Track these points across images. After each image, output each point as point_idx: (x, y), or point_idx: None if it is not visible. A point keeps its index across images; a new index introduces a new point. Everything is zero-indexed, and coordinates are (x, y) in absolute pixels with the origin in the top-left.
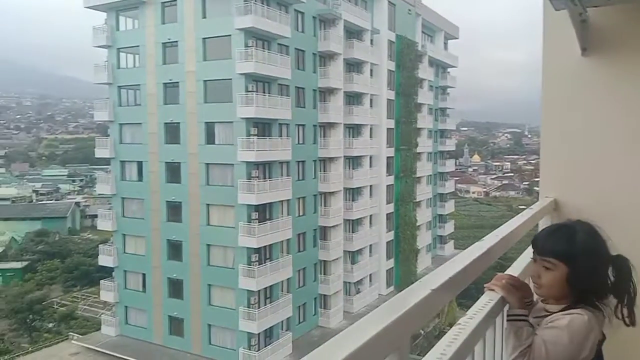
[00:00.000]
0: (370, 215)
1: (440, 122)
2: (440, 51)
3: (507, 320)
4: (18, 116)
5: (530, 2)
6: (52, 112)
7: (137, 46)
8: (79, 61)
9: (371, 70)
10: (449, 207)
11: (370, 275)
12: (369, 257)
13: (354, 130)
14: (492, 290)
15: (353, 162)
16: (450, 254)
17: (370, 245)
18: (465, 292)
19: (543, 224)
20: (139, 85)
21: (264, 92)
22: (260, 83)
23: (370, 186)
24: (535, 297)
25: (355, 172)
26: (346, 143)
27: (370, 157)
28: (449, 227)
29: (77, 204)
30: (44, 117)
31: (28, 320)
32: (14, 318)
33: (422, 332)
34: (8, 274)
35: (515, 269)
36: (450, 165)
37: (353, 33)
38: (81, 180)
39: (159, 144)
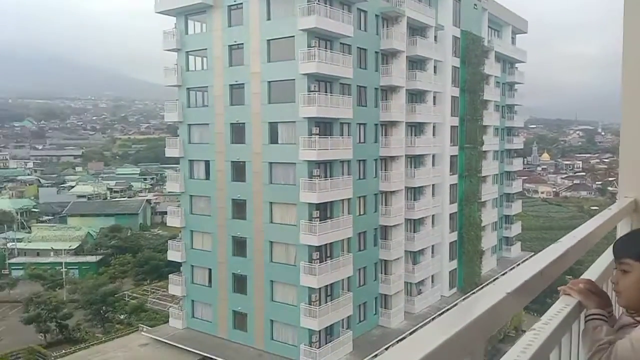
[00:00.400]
0: (433, 215)
1: (508, 119)
2: (508, 46)
3: (586, 321)
4: (94, 117)
5: None
6: (125, 113)
7: (205, 49)
8: (150, 65)
9: (435, 67)
10: (516, 207)
11: (432, 276)
12: (431, 258)
13: (416, 128)
14: (569, 294)
15: (415, 160)
16: (517, 256)
17: (433, 246)
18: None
19: (622, 226)
20: (206, 87)
21: (325, 92)
22: (322, 82)
23: (433, 185)
24: (619, 309)
25: (417, 171)
26: (408, 141)
27: (433, 156)
28: (515, 229)
29: (148, 201)
30: (118, 118)
31: (102, 312)
32: (89, 309)
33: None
34: (84, 267)
35: (591, 274)
36: (517, 164)
37: (416, 30)
38: (152, 179)
39: (225, 143)
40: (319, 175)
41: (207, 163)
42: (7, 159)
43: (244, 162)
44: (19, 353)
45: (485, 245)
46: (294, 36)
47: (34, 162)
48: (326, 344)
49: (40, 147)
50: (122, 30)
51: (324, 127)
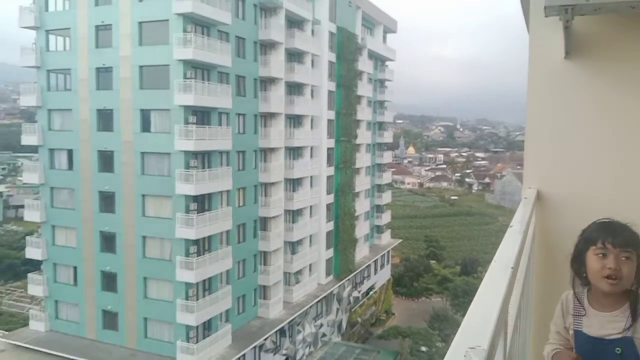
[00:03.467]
0: (311, 206)
1: (379, 114)
2: (379, 44)
3: None
4: None
5: (468, 3)
6: None
7: (68, 28)
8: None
9: (312, 61)
10: (386, 197)
11: (310, 265)
12: (309, 248)
13: (295, 120)
14: None
15: (294, 152)
16: (387, 242)
17: (311, 236)
18: (400, 280)
19: None
20: (69, 69)
21: (203, 80)
22: (200, 70)
23: (311, 177)
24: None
25: (296, 163)
26: (287, 133)
27: (311, 148)
28: (386, 217)
29: (0, 193)
30: None
31: None
32: None
33: (360, 319)
34: None
35: (503, 259)
36: (387, 157)
37: (294, 23)
38: (3, 169)
39: (91, 131)
40: (196, 166)
41: (70, 152)
42: None
43: (112, 151)
44: None
45: (358, 233)
46: (168, 20)
47: None
48: (204, 338)
49: None
50: None
51: (201, 116)
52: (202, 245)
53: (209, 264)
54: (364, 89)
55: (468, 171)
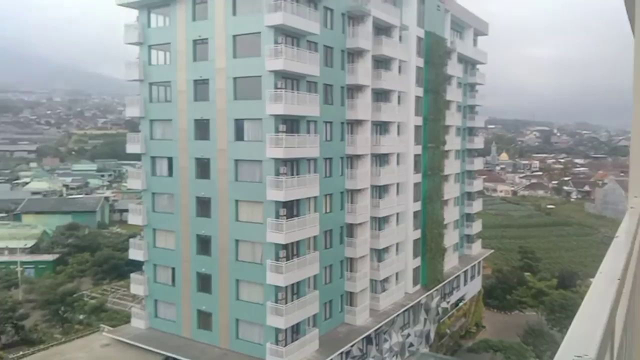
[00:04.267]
0: (397, 213)
1: (469, 119)
2: (469, 47)
3: None
4: (49, 112)
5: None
6: (81, 108)
7: (168, 43)
8: (109, 58)
9: (399, 67)
10: (477, 205)
11: (396, 273)
12: (396, 255)
13: (381, 127)
14: None
15: (380, 159)
16: (478, 253)
17: (397, 244)
18: (491, 292)
19: None
20: (169, 82)
21: (292, 89)
22: (289, 80)
23: (398, 184)
24: None
25: (382, 170)
26: (374, 140)
27: (398, 155)
28: (476, 226)
29: (106, 198)
30: (74, 112)
31: (60, 312)
32: (47, 309)
33: (448, 331)
34: (40, 266)
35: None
36: (478, 164)
37: (382, 29)
38: (110, 175)
39: (189, 140)
40: (285, 173)
41: (170, 160)
42: None
43: (209, 159)
44: None
45: (447, 242)
46: (260, 32)
47: None
48: (292, 342)
49: None
50: (80, 22)
51: (290, 124)
52: (291, 250)
53: (297, 269)
54: (453, 93)
55: (566, 178)
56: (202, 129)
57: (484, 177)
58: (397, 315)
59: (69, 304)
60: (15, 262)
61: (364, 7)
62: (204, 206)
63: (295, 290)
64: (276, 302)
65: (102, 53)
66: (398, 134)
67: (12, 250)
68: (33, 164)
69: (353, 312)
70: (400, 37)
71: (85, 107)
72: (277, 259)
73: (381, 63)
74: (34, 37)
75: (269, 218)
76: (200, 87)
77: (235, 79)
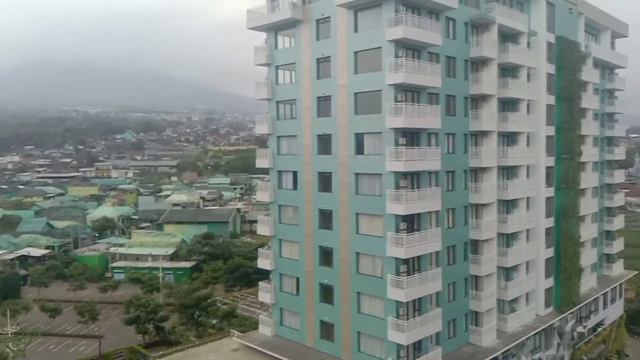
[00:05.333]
0: (527, 230)
1: (607, 128)
2: (607, 51)
3: None
4: (188, 130)
5: None
6: (216, 125)
7: (294, 63)
8: (241, 79)
9: (528, 74)
10: (618, 222)
11: (526, 293)
12: (526, 275)
13: (508, 138)
14: None
15: (508, 172)
16: (619, 274)
17: (527, 262)
18: (635, 317)
19: None
20: (295, 99)
21: (412, 102)
22: (410, 92)
23: (528, 198)
24: None
25: (510, 183)
26: (500, 152)
27: (527, 167)
28: (617, 245)
29: (238, 210)
30: (210, 130)
31: (195, 316)
32: (184, 313)
33: (585, 358)
34: (179, 272)
35: None
36: (619, 176)
37: (508, 36)
38: (241, 188)
39: (312, 154)
40: (405, 187)
41: (295, 173)
42: (110, 169)
43: (330, 172)
44: (122, 351)
45: (584, 262)
46: (381, 47)
47: (133, 172)
48: (414, 359)
49: (139, 158)
50: (215, 46)
51: (411, 137)
52: (412, 265)
53: (418, 284)
54: (588, 100)
55: None
56: (324, 143)
57: (626, 190)
58: (527, 338)
59: (203, 308)
60: (157, 268)
61: (489, 15)
62: (325, 218)
63: (417, 307)
64: (397, 317)
65: (234, 74)
66: (527, 144)
67: (154, 257)
68: (174, 178)
69: (478, 332)
70: (528, 44)
71: (219, 125)
72: (398, 273)
73: (507, 71)
74: (175, 62)
75: (389, 232)
76: (323, 104)
77: (356, 94)
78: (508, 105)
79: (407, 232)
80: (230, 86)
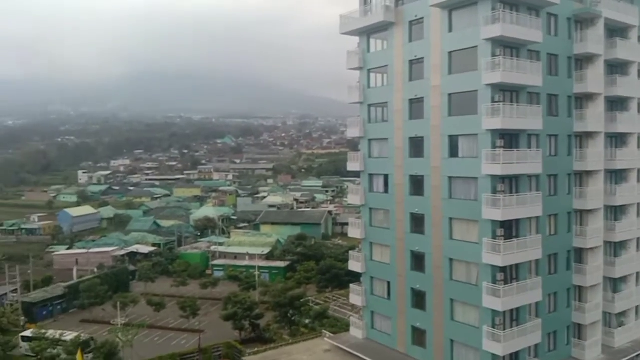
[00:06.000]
0: (638, 238)
1: None
2: None
3: None
4: (283, 134)
5: None
6: (309, 130)
7: (386, 66)
8: (334, 83)
9: (639, 71)
10: None
11: (636, 307)
12: (636, 287)
13: (617, 139)
14: None
15: (616, 176)
16: None
17: (637, 273)
18: None
19: None
20: (386, 102)
21: (511, 102)
22: (508, 92)
23: (638, 204)
24: None
25: (618, 188)
26: (607, 154)
27: (638, 171)
28: None
29: (330, 212)
30: (303, 134)
31: (289, 315)
32: (278, 311)
33: None
34: (274, 271)
35: None
36: None
37: (616, 31)
38: (333, 191)
39: (404, 157)
40: (503, 191)
41: (386, 177)
42: (211, 172)
43: (423, 176)
44: (219, 346)
45: None
46: (477, 46)
47: (233, 175)
48: None
49: (238, 161)
50: (307, 52)
51: (509, 139)
52: (510, 273)
53: (516, 293)
54: None
55: None
56: (416, 146)
57: None
58: (638, 355)
59: (296, 308)
60: (254, 267)
61: (594, 9)
62: (417, 223)
63: (515, 317)
64: (493, 326)
65: (327, 79)
66: (638, 147)
67: (251, 256)
68: (270, 181)
69: (582, 346)
70: (639, 38)
71: (313, 129)
72: (494, 281)
73: (616, 68)
74: (270, 69)
75: (484, 238)
76: (415, 106)
77: (450, 95)
78: (616, 104)
79: (505, 239)
80: (323, 91)
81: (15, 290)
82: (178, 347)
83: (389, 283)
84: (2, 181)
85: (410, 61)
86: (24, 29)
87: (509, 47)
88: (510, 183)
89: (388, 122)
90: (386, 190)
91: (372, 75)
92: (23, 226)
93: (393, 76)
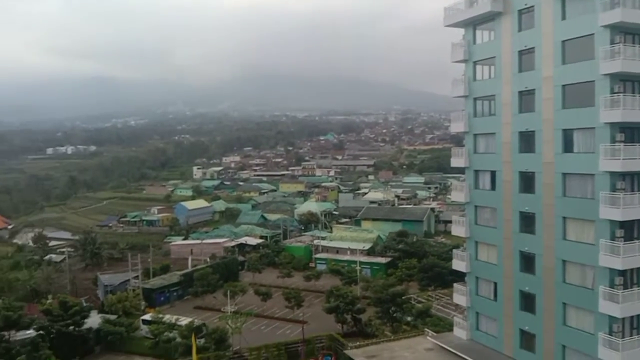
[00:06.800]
0: None
1: None
2: None
3: None
4: (384, 130)
5: None
6: (411, 125)
7: (493, 57)
8: (436, 77)
9: None
10: None
11: None
12: None
13: None
14: None
15: None
16: None
17: None
18: None
19: None
20: (493, 95)
21: (633, 93)
22: (629, 82)
23: None
24: None
25: None
26: None
27: None
28: None
29: (432, 209)
30: (405, 130)
31: (390, 311)
32: (379, 307)
33: None
34: (375, 267)
35: None
36: None
37: None
38: (435, 188)
39: (512, 153)
40: (623, 189)
41: (492, 173)
42: (314, 168)
43: (533, 172)
44: (322, 338)
45: None
46: (593, 34)
47: (334, 171)
48: None
49: (340, 158)
50: (410, 46)
51: (630, 133)
52: (630, 278)
53: (637, 299)
54: None
55: None
56: (526, 141)
57: None
58: None
59: (398, 304)
60: (355, 262)
61: None
62: (527, 222)
63: (635, 324)
64: (610, 334)
65: (429, 73)
66: None
67: (353, 251)
68: (371, 177)
69: None
70: None
71: (415, 124)
72: (612, 286)
73: None
74: (370, 65)
75: (602, 239)
76: (526, 98)
77: (563, 86)
78: None
79: (625, 241)
80: (425, 85)
81: (137, 277)
82: (283, 337)
83: (495, 284)
84: (126, 176)
85: (520, 51)
86: (146, 35)
87: (629, 33)
88: (632, 180)
89: (495, 116)
90: (493, 187)
91: (478, 67)
92: (144, 218)
93: (501, 68)
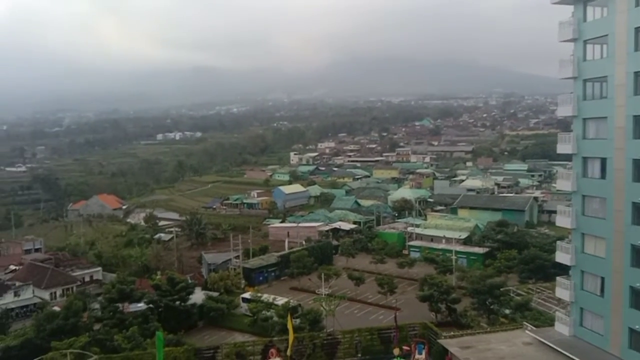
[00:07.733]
0: None
1: None
2: None
3: None
4: (484, 115)
5: None
6: (514, 109)
7: (605, 35)
8: (542, 59)
9: None
10: None
11: None
12: None
13: None
14: None
15: None
16: None
17: None
18: None
19: None
20: (605, 76)
21: None
22: None
23: None
24: None
25: None
26: None
27: None
28: None
29: (535, 198)
30: (507, 114)
31: (487, 303)
32: (476, 298)
33: None
34: (471, 257)
35: None
36: None
37: None
38: (540, 176)
39: (626, 139)
40: None
41: (603, 160)
42: (409, 154)
43: None
44: (415, 326)
45: None
46: None
47: (430, 157)
48: None
49: (436, 144)
50: (513, 26)
51: None
52: None
53: None
54: None
55: None
56: None
57: None
58: None
59: (495, 296)
60: (450, 251)
61: None
62: None
63: None
64: None
65: (534, 54)
66: None
67: (448, 240)
68: (469, 163)
69: None
70: None
71: (518, 108)
72: None
73: None
74: (469, 47)
75: None
76: None
77: None
78: None
79: None
80: (530, 67)
81: (237, 257)
82: (376, 322)
83: (602, 279)
84: (228, 161)
85: (637, 29)
86: (245, 26)
87: None
88: None
89: (608, 99)
90: (603, 176)
91: (589, 46)
92: (245, 201)
93: (614, 46)
